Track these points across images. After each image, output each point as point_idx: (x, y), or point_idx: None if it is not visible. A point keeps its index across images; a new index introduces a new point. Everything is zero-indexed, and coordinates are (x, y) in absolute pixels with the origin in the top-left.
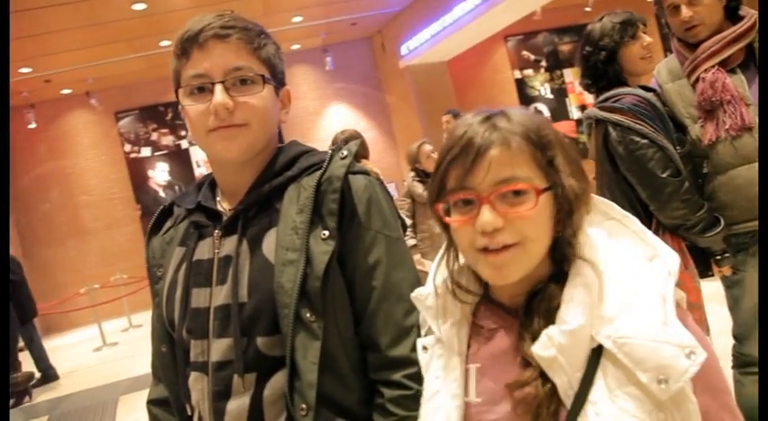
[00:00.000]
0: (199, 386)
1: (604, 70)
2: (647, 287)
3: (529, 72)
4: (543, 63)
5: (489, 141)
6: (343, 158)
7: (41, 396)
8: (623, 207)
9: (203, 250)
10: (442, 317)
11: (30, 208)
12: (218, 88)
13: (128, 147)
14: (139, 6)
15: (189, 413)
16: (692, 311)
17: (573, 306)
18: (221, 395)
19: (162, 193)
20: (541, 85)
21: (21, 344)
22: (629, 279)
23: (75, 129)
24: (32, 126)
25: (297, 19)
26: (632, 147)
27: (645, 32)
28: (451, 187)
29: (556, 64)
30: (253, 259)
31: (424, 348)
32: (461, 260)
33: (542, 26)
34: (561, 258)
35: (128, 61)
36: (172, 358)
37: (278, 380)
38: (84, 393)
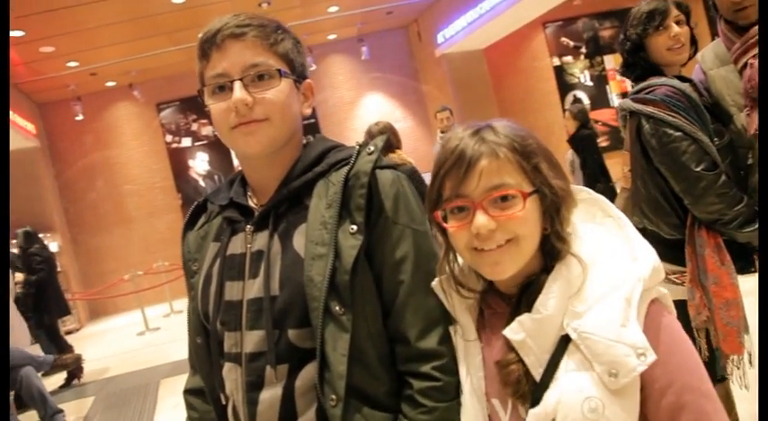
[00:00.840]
0: (233, 376)
1: (633, 61)
2: (617, 288)
3: (568, 59)
4: (583, 49)
5: (479, 153)
6: (370, 154)
7: (89, 377)
8: (657, 200)
9: (236, 245)
10: (451, 307)
11: (77, 197)
12: (237, 85)
13: (169, 138)
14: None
15: (224, 402)
16: (729, 309)
17: (548, 298)
18: (254, 385)
19: (201, 183)
20: (581, 73)
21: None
22: (608, 278)
23: (119, 121)
24: (79, 118)
25: (333, 9)
26: (665, 139)
27: (680, 20)
28: (447, 196)
29: (596, 50)
30: (284, 254)
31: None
32: (460, 261)
33: (582, 11)
34: (551, 252)
35: (168, 54)
36: (206, 350)
37: (309, 372)
38: (128, 376)
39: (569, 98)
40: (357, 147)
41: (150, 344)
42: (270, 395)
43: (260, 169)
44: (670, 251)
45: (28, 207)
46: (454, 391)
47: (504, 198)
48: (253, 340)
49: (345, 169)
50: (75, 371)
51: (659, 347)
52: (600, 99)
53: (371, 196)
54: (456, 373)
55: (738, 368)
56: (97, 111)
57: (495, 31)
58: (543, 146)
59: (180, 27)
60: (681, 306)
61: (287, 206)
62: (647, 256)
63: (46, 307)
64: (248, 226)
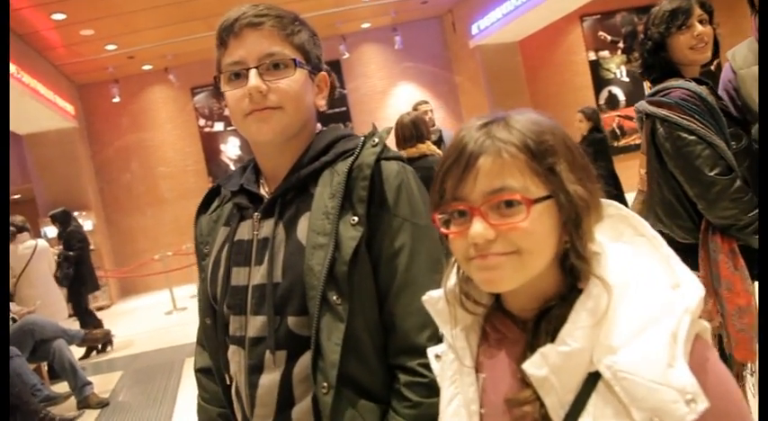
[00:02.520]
0: (236, 359)
1: (653, 61)
2: (660, 321)
3: (605, 53)
4: (621, 44)
5: (481, 150)
6: (374, 146)
7: (119, 353)
8: (671, 204)
9: (244, 231)
10: (452, 322)
11: (112, 177)
12: (253, 73)
13: (202, 122)
14: None
15: (228, 383)
16: (742, 316)
17: (576, 327)
18: (255, 369)
19: (232, 167)
20: (617, 68)
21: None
22: (645, 307)
23: (155, 104)
24: (116, 100)
25: None
26: (679, 143)
27: (703, 19)
28: (447, 197)
29: (634, 45)
30: (288, 242)
31: (437, 357)
32: None
33: (621, 5)
34: (573, 271)
35: (204, 38)
36: (214, 330)
37: (306, 359)
38: (155, 353)
39: (604, 93)
40: (362, 138)
41: (177, 323)
42: (269, 380)
43: (272, 157)
44: (683, 255)
45: (65, 186)
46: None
47: (510, 203)
48: (256, 325)
49: (350, 160)
50: (101, 345)
51: (708, 392)
52: (636, 95)
53: (374, 187)
54: None
55: (752, 375)
56: (133, 94)
57: (531, 24)
58: (569, 143)
59: (215, 12)
60: None
61: (294, 194)
62: (692, 283)
63: (80, 282)
64: (256, 213)
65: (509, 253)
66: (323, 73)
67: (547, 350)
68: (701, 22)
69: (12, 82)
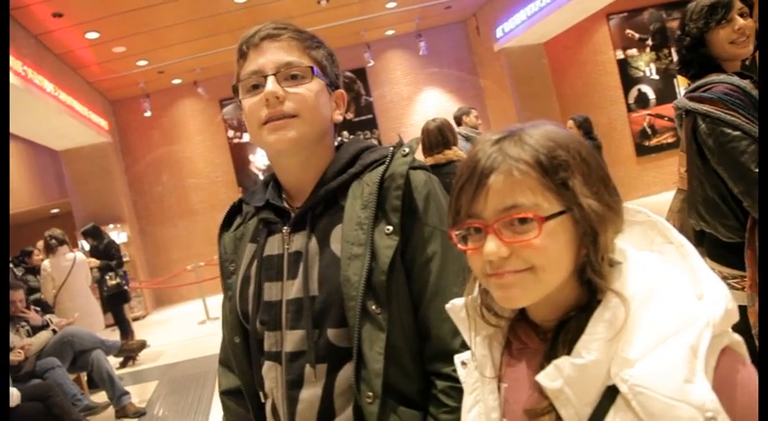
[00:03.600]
0: (272, 375)
1: (691, 57)
2: (679, 334)
3: (633, 52)
4: (649, 41)
5: (492, 167)
6: (404, 155)
7: (154, 362)
8: (715, 202)
9: (273, 246)
10: (472, 331)
11: (145, 190)
12: (270, 79)
13: (231, 133)
14: None
15: (262, 400)
16: None
17: (592, 339)
18: (295, 384)
19: (261, 177)
20: (646, 66)
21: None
22: (665, 319)
23: (185, 117)
24: (148, 114)
25: (391, 5)
26: (723, 139)
27: (744, 12)
28: (462, 215)
29: (663, 42)
30: (322, 254)
31: (463, 363)
32: None
33: (648, 2)
34: (592, 283)
35: (231, 51)
36: (244, 348)
37: (347, 371)
38: (189, 363)
39: (633, 92)
40: (391, 148)
41: (210, 332)
42: (310, 394)
43: (293, 171)
44: (729, 254)
45: (100, 199)
46: None
47: (523, 221)
48: (293, 339)
49: (380, 170)
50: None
51: (735, 409)
52: (666, 93)
53: (404, 197)
54: None
55: None
56: (164, 108)
57: (556, 24)
58: (585, 155)
59: (242, 25)
60: (740, 312)
61: (323, 207)
62: (717, 295)
63: (120, 293)
64: (285, 227)
65: (523, 270)
66: (340, 90)
67: (561, 362)
68: (741, 15)
69: (49, 100)
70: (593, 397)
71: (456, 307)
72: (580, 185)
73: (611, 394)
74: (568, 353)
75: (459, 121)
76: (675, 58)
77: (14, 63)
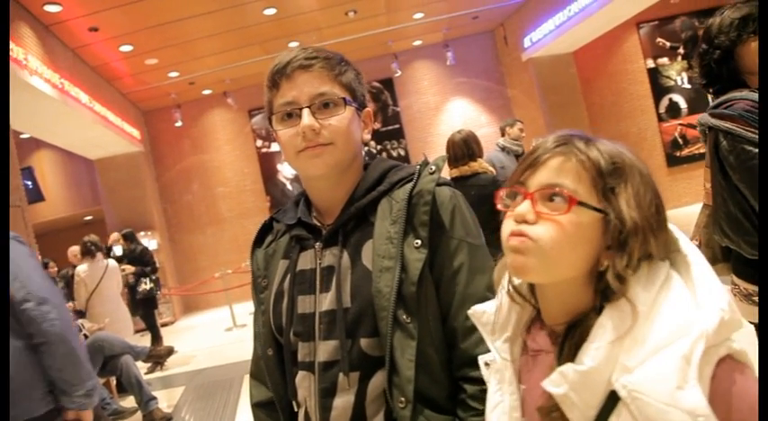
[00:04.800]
0: (306, 384)
1: (719, 71)
2: (674, 343)
3: (664, 60)
4: (680, 50)
5: (553, 152)
6: (431, 173)
7: (181, 368)
8: (738, 219)
9: (305, 261)
10: (498, 332)
11: (175, 198)
12: (306, 112)
13: (259, 143)
14: (270, 11)
15: (295, 409)
16: None
17: (593, 346)
18: (328, 392)
19: (289, 186)
20: (678, 75)
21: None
22: (664, 328)
23: (214, 126)
24: (178, 124)
25: (418, 15)
26: (744, 156)
27: None
28: (512, 180)
29: (694, 54)
30: (354, 268)
31: (487, 364)
32: None
33: (680, 10)
34: (605, 292)
35: (260, 62)
36: (278, 360)
37: (378, 379)
38: (216, 369)
39: (664, 102)
40: (417, 166)
41: (237, 339)
42: (343, 401)
43: (325, 191)
44: (753, 270)
45: (132, 207)
46: None
47: (558, 198)
48: (326, 350)
49: (408, 187)
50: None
51: (732, 418)
52: (699, 103)
53: (432, 212)
54: None
55: None
56: (194, 118)
57: (585, 34)
58: (645, 177)
59: (271, 37)
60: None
61: (354, 224)
62: (713, 305)
63: (151, 298)
64: (317, 243)
65: (534, 240)
66: (367, 109)
67: (565, 369)
68: None
69: (85, 111)
70: (596, 401)
71: (478, 312)
72: (627, 197)
73: (613, 399)
74: (573, 358)
75: (503, 132)
76: (698, 72)
77: (52, 76)
